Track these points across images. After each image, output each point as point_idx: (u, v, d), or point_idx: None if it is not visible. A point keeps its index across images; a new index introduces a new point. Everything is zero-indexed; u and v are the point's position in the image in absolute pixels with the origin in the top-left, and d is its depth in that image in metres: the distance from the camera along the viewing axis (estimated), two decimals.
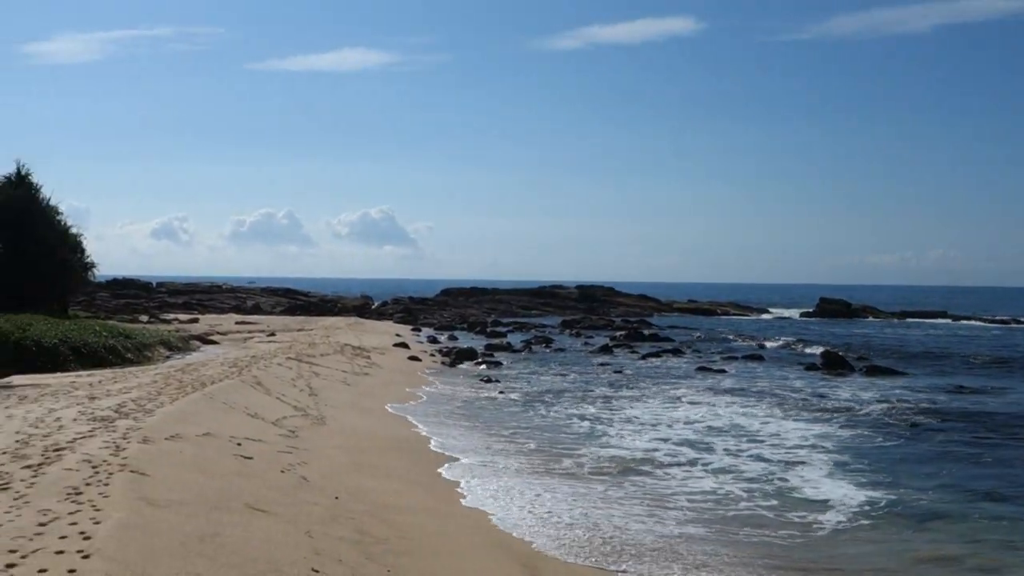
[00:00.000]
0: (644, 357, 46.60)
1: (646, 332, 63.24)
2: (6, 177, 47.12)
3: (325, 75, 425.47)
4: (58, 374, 30.62)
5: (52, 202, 48.02)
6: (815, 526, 13.72)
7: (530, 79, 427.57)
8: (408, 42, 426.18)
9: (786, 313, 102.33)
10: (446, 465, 17.19)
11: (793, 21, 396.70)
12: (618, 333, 63.61)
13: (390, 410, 25.09)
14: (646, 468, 18.03)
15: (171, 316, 69.83)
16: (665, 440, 21.58)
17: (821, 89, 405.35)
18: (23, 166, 47.44)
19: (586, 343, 57.07)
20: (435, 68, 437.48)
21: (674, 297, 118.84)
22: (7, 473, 10.22)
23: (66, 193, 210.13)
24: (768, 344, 56.61)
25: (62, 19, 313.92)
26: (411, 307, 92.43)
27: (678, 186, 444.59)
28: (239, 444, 14.82)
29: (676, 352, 49.59)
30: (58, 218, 48.20)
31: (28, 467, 10.59)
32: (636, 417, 25.43)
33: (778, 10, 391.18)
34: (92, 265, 51.47)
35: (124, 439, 12.82)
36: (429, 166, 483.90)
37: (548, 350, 51.90)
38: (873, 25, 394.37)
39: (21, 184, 46.66)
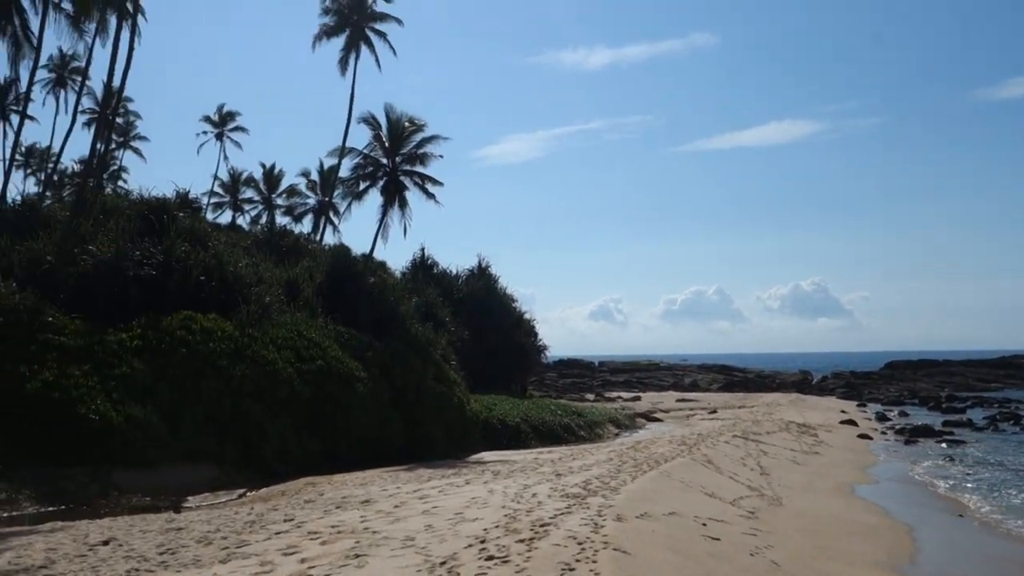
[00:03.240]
0: None
1: None
2: (469, 270, 52.32)
3: (751, 150, 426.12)
4: (521, 450, 32.92)
5: (508, 291, 52.48)
6: None
7: (977, 131, 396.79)
8: (836, 108, 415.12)
9: None
10: (926, 556, 15.93)
11: None
12: None
13: (848, 491, 23.89)
14: None
15: (614, 394, 72.53)
16: None
17: None
18: (483, 259, 52.45)
19: None
20: (867, 132, 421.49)
21: None
22: (505, 547, 11.02)
23: (515, 281, 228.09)
24: None
25: (509, 124, 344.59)
26: (853, 381, 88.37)
27: None
28: (704, 524, 14.83)
29: None
30: (514, 305, 52.44)
31: (521, 541, 11.35)
32: None
33: None
34: (544, 348, 55.26)
35: (600, 516, 13.35)
36: (863, 234, 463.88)
37: (1018, 428, 46.82)
38: None
39: (482, 276, 51.51)
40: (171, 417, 24.24)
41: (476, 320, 48.21)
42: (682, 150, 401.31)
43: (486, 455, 31.36)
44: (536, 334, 54.33)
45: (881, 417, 54.31)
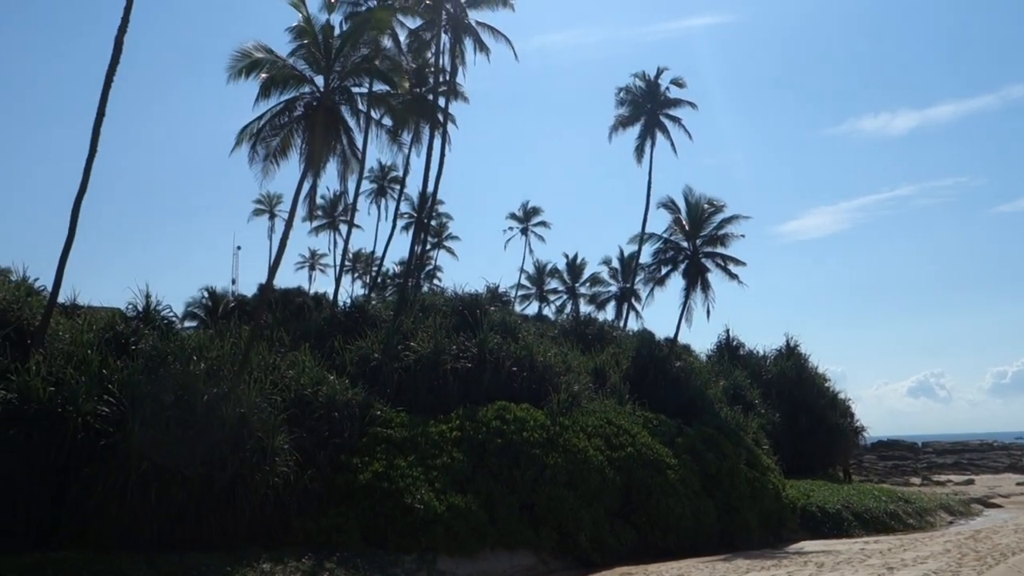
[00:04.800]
0: None
1: None
2: (777, 350, 50.82)
3: None
4: (844, 539, 31.11)
5: (819, 369, 50.36)
6: None
7: None
8: None
9: None
10: None
11: None
12: None
13: None
14: None
15: (943, 477, 67.12)
16: None
17: None
18: (791, 338, 50.82)
19: None
20: None
21: None
22: None
23: (824, 358, 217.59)
24: None
25: (810, 198, 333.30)
26: None
27: None
28: None
29: None
30: (826, 385, 50.19)
31: None
32: None
33: None
34: (862, 429, 52.30)
35: None
36: None
37: None
38: None
39: (791, 355, 49.84)
40: (489, 505, 25.00)
41: (786, 402, 46.47)
42: (1006, 209, 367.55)
43: (806, 544, 29.90)
44: (852, 414, 51.48)
45: None
